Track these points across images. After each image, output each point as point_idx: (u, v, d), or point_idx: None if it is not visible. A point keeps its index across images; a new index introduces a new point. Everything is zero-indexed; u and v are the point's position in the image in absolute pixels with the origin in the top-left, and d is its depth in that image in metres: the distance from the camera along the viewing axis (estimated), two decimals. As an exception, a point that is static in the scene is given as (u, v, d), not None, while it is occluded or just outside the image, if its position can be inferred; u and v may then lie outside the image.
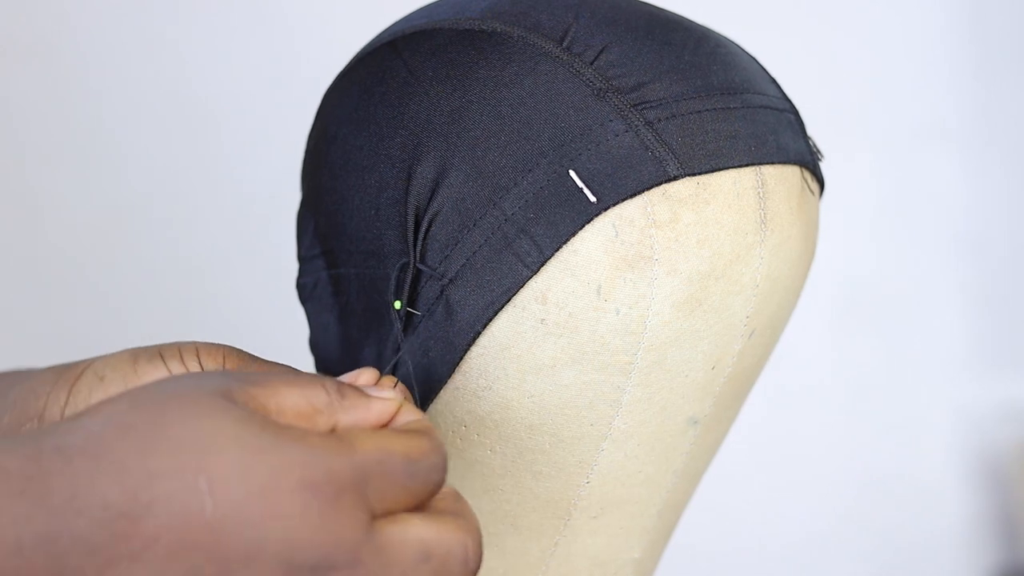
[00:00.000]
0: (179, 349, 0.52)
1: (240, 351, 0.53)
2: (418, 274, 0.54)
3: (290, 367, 0.53)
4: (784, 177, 0.55)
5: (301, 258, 0.61)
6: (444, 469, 0.46)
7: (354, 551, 0.43)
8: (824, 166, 0.59)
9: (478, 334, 0.53)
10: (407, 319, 0.54)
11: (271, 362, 0.53)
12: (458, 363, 0.54)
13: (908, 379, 1.56)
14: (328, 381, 0.47)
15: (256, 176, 1.23)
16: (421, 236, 0.53)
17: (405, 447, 0.45)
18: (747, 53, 0.58)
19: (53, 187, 1.19)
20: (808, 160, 0.57)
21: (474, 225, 0.53)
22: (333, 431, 0.45)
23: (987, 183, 1.53)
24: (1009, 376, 1.56)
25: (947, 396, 1.56)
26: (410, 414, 0.48)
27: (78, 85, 1.20)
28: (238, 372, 0.47)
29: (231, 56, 1.24)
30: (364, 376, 0.50)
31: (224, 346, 0.53)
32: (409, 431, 0.46)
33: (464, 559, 0.45)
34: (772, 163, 0.55)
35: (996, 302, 1.55)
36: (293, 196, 0.63)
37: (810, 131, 0.59)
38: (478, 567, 0.46)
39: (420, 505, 0.45)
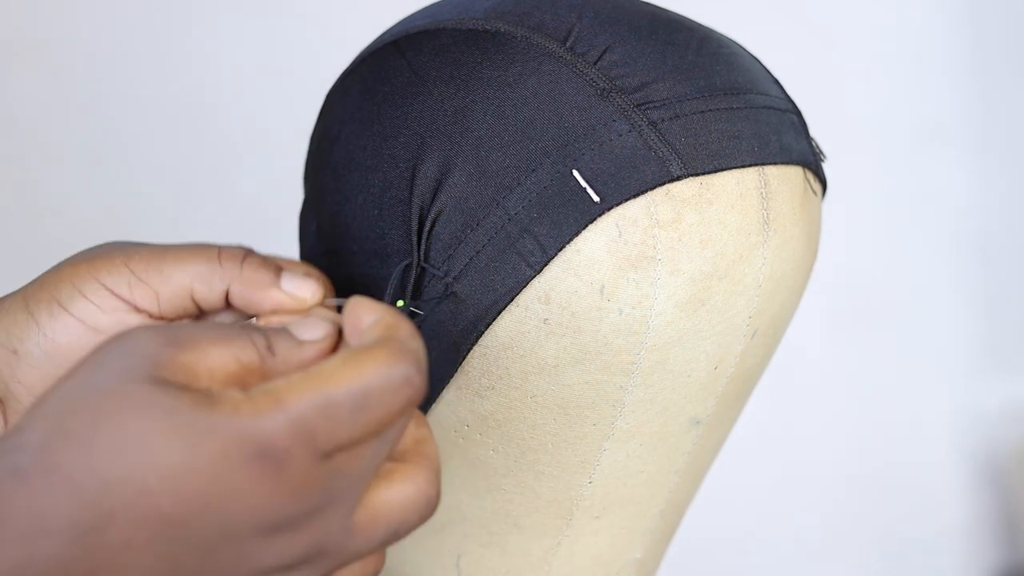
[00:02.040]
0: (76, 288, 0.51)
1: (142, 248, 0.51)
2: (421, 273, 0.54)
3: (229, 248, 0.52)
4: (787, 177, 0.55)
5: (304, 258, 0.61)
6: (411, 381, 0.43)
7: (323, 490, 0.43)
8: (826, 166, 0.59)
9: (481, 334, 0.53)
10: (410, 318, 0.54)
11: (179, 244, 0.52)
12: (461, 362, 0.54)
13: (909, 379, 1.56)
14: (256, 334, 0.45)
15: (258, 176, 1.23)
16: (424, 235, 0.54)
17: (347, 382, 0.43)
18: (750, 54, 0.58)
19: (55, 185, 1.19)
20: (811, 160, 0.57)
21: (477, 225, 0.53)
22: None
23: (988, 183, 1.53)
24: (1010, 376, 1.56)
25: (948, 396, 1.56)
26: (368, 314, 0.46)
27: (80, 84, 1.20)
28: (165, 333, 0.44)
29: (234, 55, 1.24)
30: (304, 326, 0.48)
31: (123, 252, 0.51)
32: (356, 355, 0.44)
33: (422, 511, 0.45)
34: (775, 163, 0.55)
35: (997, 302, 1.55)
36: (296, 196, 0.63)
37: (812, 132, 0.59)
38: (435, 508, 0.46)
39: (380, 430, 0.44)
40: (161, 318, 0.51)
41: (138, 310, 0.51)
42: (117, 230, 1.19)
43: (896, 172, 1.52)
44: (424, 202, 0.54)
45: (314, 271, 0.52)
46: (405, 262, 0.54)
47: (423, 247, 0.54)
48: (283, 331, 0.46)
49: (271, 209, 1.00)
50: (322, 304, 0.52)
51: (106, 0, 1.20)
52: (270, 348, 0.45)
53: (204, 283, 0.51)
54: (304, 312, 0.51)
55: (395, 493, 0.46)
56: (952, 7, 1.49)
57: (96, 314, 0.51)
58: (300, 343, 0.46)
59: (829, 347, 1.52)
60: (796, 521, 1.54)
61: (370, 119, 0.56)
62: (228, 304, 0.52)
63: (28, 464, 0.41)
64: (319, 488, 0.43)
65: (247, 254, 0.52)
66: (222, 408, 0.42)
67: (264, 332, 0.46)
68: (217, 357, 0.44)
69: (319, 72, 0.70)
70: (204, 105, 1.23)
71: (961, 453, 1.57)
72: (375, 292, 0.56)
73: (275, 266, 0.52)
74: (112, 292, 0.51)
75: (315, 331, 0.46)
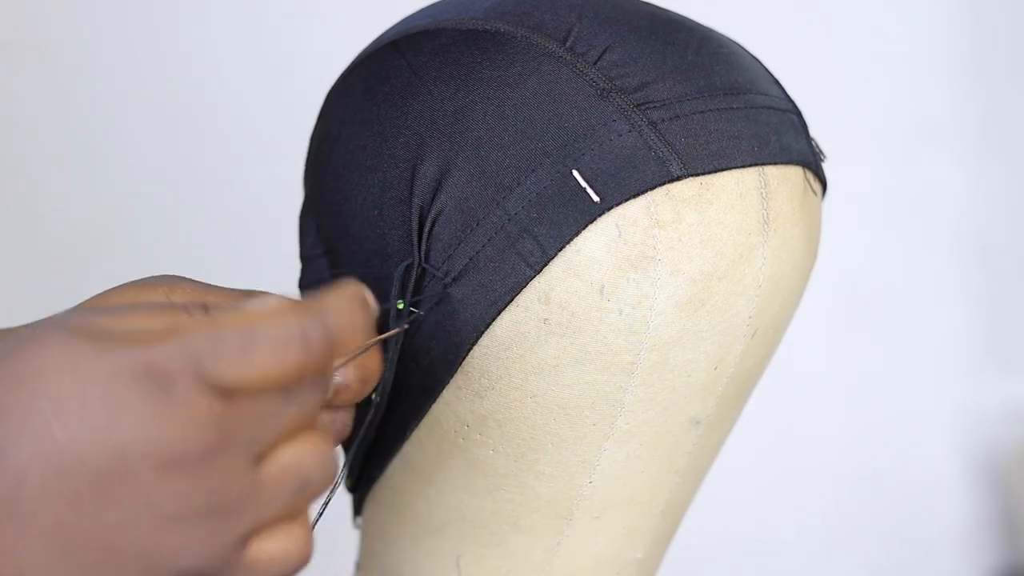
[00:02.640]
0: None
1: (171, 283, 0.51)
2: (421, 274, 0.54)
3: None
4: (787, 177, 0.55)
5: (304, 258, 0.61)
6: (305, 338, 0.43)
7: (217, 430, 0.42)
8: (827, 167, 0.59)
9: (481, 334, 0.53)
10: (407, 317, 0.54)
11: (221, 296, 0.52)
12: (460, 363, 0.54)
13: (909, 379, 1.56)
14: (194, 306, 0.46)
15: (258, 176, 1.23)
16: (424, 236, 0.53)
17: (237, 321, 0.43)
18: (750, 54, 0.58)
19: (55, 185, 1.19)
20: (811, 161, 0.57)
21: (477, 225, 0.53)
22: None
23: (989, 183, 1.53)
24: (1010, 376, 1.56)
25: (948, 396, 1.56)
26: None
27: (80, 84, 1.20)
28: (99, 306, 0.46)
29: (234, 56, 1.24)
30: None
31: (166, 287, 0.51)
32: (256, 305, 0.44)
33: (328, 469, 0.45)
34: (775, 163, 0.55)
35: (997, 302, 1.55)
36: (296, 196, 0.63)
37: (813, 132, 0.59)
38: (336, 470, 0.46)
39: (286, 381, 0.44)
40: None
41: None
42: (117, 230, 1.19)
43: (896, 172, 1.52)
44: (424, 202, 0.54)
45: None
46: (406, 263, 0.54)
47: (423, 247, 0.54)
48: (232, 305, 0.46)
49: (271, 209, 1.00)
50: None
51: (106, 0, 1.20)
52: (205, 308, 0.46)
53: None
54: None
55: (301, 450, 0.45)
56: (952, 7, 1.49)
57: None
58: (243, 309, 0.45)
59: (829, 347, 1.52)
60: (796, 521, 1.54)
61: (370, 119, 0.56)
62: None
63: None
64: (213, 426, 0.42)
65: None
66: (118, 340, 0.42)
67: (203, 305, 0.46)
68: (143, 317, 0.44)
69: (319, 72, 0.70)
70: (204, 105, 1.23)
71: (961, 453, 1.57)
72: (375, 292, 0.56)
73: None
74: None
75: (266, 301, 0.45)
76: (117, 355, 0.42)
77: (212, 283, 0.53)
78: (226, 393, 0.42)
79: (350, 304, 0.46)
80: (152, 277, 0.52)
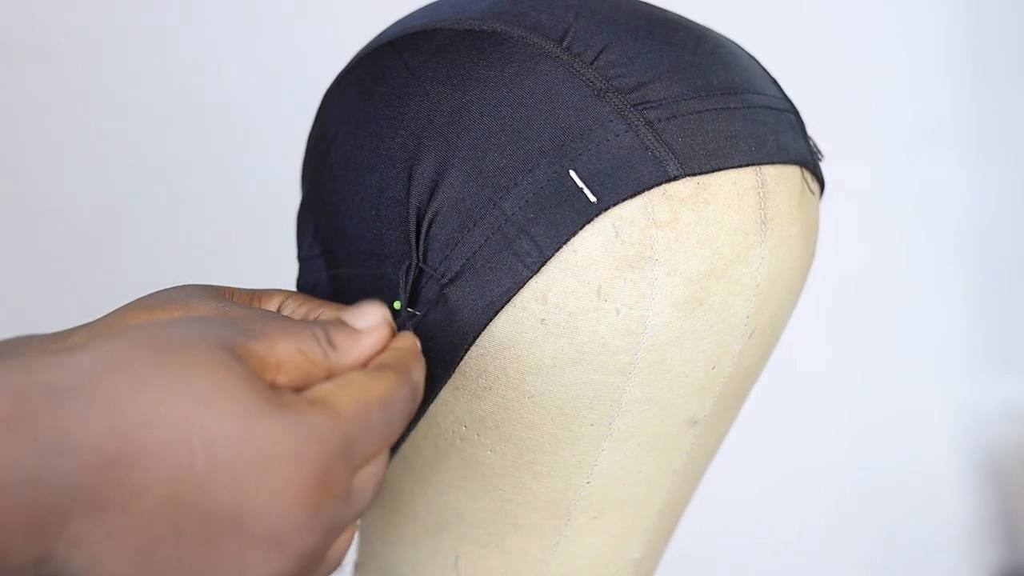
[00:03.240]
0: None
1: (215, 294, 0.52)
2: (419, 274, 0.54)
3: (277, 291, 0.53)
4: (784, 177, 0.55)
5: (301, 259, 0.61)
6: (415, 398, 0.47)
7: (337, 523, 0.43)
8: (824, 166, 0.59)
9: (478, 334, 0.53)
10: (407, 319, 0.54)
11: (250, 292, 0.53)
12: (458, 363, 0.54)
13: (909, 379, 1.56)
14: (318, 329, 0.47)
15: (258, 176, 1.23)
16: (422, 236, 0.53)
17: (380, 393, 0.45)
18: (747, 53, 0.58)
19: (55, 185, 1.19)
20: (808, 160, 0.57)
21: (474, 225, 0.53)
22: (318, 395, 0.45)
23: (989, 182, 1.53)
24: (1010, 376, 1.56)
25: (948, 396, 1.56)
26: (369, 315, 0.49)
27: (80, 84, 1.20)
28: (238, 319, 0.46)
29: (233, 56, 1.24)
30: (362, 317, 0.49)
31: (181, 303, 0.52)
32: (379, 369, 0.47)
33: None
34: (772, 163, 0.55)
35: (997, 302, 1.55)
36: (294, 196, 0.63)
37: (810, 131, 0.59)
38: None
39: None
40: None
41: None
42: (117, 230, 1.19)
43: (897, 172, 1.52)
44: (421, 203, 0.54)
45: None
46: (405, 265, 0.54)
47: (420, 248, 0.53)
48: (339, 323, 0.48)
49: (270, 209, 1.00)
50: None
51: (106, 1, 1.20)
52: (331, 342, 0.47)
53: None
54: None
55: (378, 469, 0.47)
56: (953, 6, 1.49)
57: None
58: (357, 332, 0.48)
59: (829, 347, 1.52)
60: (796, 521, 1.54)
61: (367, 119, 0.56)
62: None
63: (69, 383, 0.41)
64: (340, 508, 0.43)
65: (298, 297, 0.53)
66: (285, 401, 0.43)
67: (323, 326, 0.47)
68: (285, 350, 0.45)
69: (317, 73, 0.70)
70: (204, 106, 1.23)
71: (962, 453, 1.57)
72: (372, 292, 0.56)
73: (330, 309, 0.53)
74: None
75: (369, 318, 0.48)
76: (284, 421, 0.42)
77: (218, 283, 0.53)
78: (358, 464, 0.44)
79: (417, 353, 0.49)
80: (167, 291, 0.52)
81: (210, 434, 0.41)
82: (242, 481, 0.41)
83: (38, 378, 0.41)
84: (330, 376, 0.46)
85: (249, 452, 0.41)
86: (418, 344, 0.50)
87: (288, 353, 0.45)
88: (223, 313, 0.50)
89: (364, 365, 0.48)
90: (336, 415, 0.43)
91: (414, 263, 0.54)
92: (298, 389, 0.45)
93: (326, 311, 0.53)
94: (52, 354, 0.42)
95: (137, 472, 0.40)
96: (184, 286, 0.52)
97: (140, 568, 0.41)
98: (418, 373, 0.48)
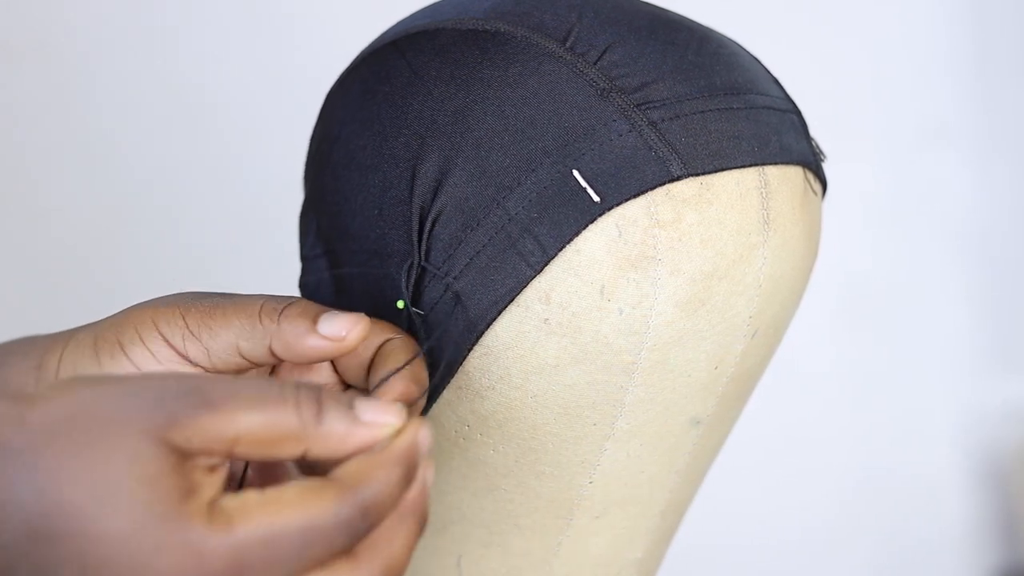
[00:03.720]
0: (138, 333, 0.51)
1: (197, 302, 0.52)
2: (422, 274, 0.54)
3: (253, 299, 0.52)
4: (787, 177, 0.55)
5: (304, 258, 0.61)
6: (367, 518, 0.43)
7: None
8: (829, 167, 0.59)
9: (481, 334, 0.53)
10: (410, 319, 0.54)
11: (231, 298, 0.52)
12: (461, 363, 0.54)
13: (911, 379, 1.56)
14: (306, 399, 0.44)
15: (259, 176, 1.23)
16: (425, 236, 0.53)
17: (303, 522, 0.42)
18: (750, 54, 0.58)
19: (55, 185, 1.19)
20: (811, 160, 0.57)
21: (477, 225, 0.53)
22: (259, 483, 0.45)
23: (991, 183, 1.53)
24: (1011, 376, 1.56)
25: (950, 396, 1.56)
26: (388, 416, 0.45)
27: (80, 84, 1.20)
28: (204, 388, 0.43)
29: (234, 55, 1.24)
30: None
31: (181, 305, 0.51)
32: (324, 488, 0.43)
33: None
34: (775, 163, 0.55)
35: (998, 302, 1.55)
36: (296, 196, 0.63)
37: (816, 132, 0.59)
38: None
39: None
40: (215, 370, 0.52)
41: (192, 363, 0.51)
42: (117, 230, 1.19)
43: (899, 172, 1.52)
44: (424, 202, 0.54)
45: (356, 315, 0.51)
46: (408, 263, 0.54)
47: (423, 247, 0.53)
48: (344, 401, 0.45)
49: (271, 209, 1.00)
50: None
51: (106, 1, 1.20)
52: (319, 415, 0.44)
53: (247, 340, 0.51)
54: (348, 352, 0.51)
55: None
56: (956, 7, 1.49)
57: (151, 362, 0.51)
58: (356, 420, 0.44)
59: (830, 347, 1.52)
60: (796, 522, 1.54)
61: (370, 119, 0.56)
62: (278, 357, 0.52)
63: (19, 446, 0.41)
64: None
65: (287, 306, 0.52)
66: (188, 513, 0.41)
67: (320, 398, 0.44)
68: (246, 423, 0.43)
69: (318, 73, 0.70)
70: (205, 105, 1.23)
71: (963, 453, 1.57)
72: (375, 292, 0.56)
73: (314, 313, 0.52)
74: (168, 343, 0.51)
75: (379, 415, 0.45)
76: (173, 535, 0.41)
77: (217, 291, 0.53)
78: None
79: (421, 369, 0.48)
80: (173, 295, 0.52)
81: (103, 529, 0.41)
82: (134, 570, 0.41)
83: None
84: (305, 454, 0.44)
85: (131, 557, 0.41)
86: (419, 443, 0.45)
87: (250, 426, 0.43)
88: (191, 370, 0.50)
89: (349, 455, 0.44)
90: (231, 536, 0.41)
91: (417, 263, 0.54)
92: (263, 465, 0.45)
93: (332, 312, 0.52)
94: (16, 401, 0.42)
95: (52, 550, 0.41)
96: (174, 302, 0.52)
97: None
98: (387, 487, 0.44)
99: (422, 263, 0.54)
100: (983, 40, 1.50)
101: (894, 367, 1.55)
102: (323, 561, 0.43)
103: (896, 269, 1.54)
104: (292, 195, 0.65)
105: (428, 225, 0.53)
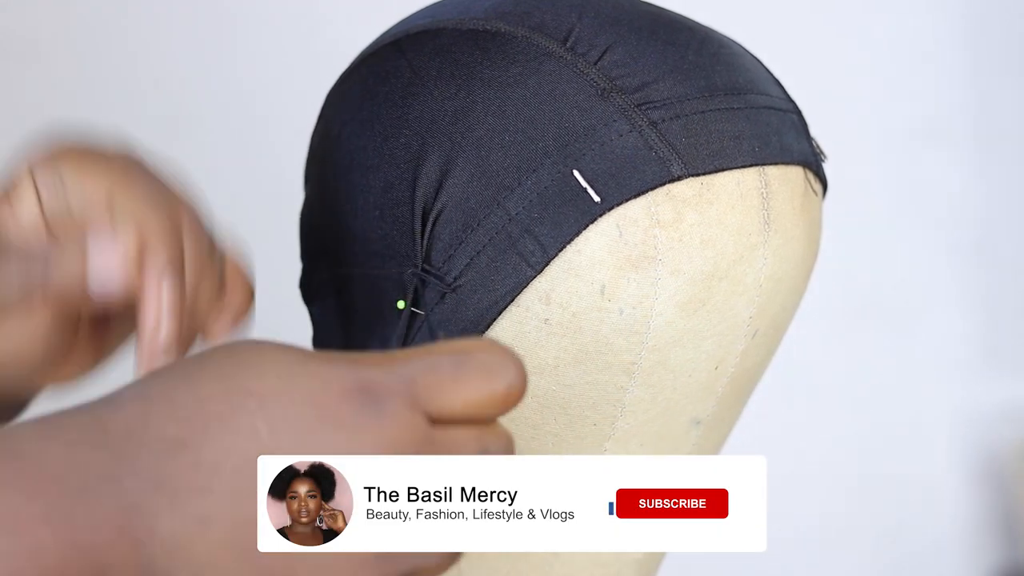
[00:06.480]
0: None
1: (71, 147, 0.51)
2: (423, 274, 0.54)
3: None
4: (788, 178, 0.55)
5: (304, 257, 0.61)
6: (515, 374, 0.42)
7: (418, 452, 0.41)
8: (825, 167, 0.59)
9: (482, 334, 0.53)
10: (411, 319, 0.54)
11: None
12: (461, 363, 0.54)
13: (909, 379, 1.56)
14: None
15: (259, 176, 1.23)
16: (426, 236, 0.53)
17: (450, 348, 0.43)
18: (750, 54, 0.58)
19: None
20: (811, 160, 0.57)
21: (478, 225, 0.53)
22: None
23: (989, 184, 1.53)
24: (1010, 376, 1.56)
25: (948, 396, 1.56)
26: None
27: (80, 84, 1.20)
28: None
29: (235, 55, 1.24)
30: None
31: (55, 149, 0.50)
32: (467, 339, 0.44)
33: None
34: (776, 163, 0.55)
35: (997, 303, 1.55)
36: (296, 196, 0.63)
37: (813, 132, 0.59)
38: None
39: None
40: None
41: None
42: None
43: (895, 172, 1.52)
44: (426, 203, 0.54)
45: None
46: (409, 269, 0.54)
47: (424, 248, 0.53)
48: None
49: (272, 209, 1.00)
50: None
51: (107, 1, 1.20)
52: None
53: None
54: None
55: None
56: (951, 7, 1.49)
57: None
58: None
59: (828, 347, 1.52)
60: (796, 521, 1.54)
61: (371, 119, 0.56)
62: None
63: (127, 394, 0.41)
64: (416, 448, 0.41)
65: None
66: (333, 359, 0.42)
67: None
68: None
69: (320, 72, 0.70)
70: (205, 105, 1.23)
71: (961, 453, 1.57)
72: (376, 292, 0.56)
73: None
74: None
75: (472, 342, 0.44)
76: (331, 368, 0.41)
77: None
78: (433, 420, 0.42)
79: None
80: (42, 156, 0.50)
81: (264, 398, 0.41)
82: (307, 431, 0.41)
83: (103, 407, 0.41)
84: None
85: (301, 402, 0.41)
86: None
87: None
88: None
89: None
90: (393, 359, 0.43)
91: (419, 263, 0.54)
92: None
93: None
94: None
95: (206, 451, 0.40)
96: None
97: (243, 559, 0.40)
98: (522, 366, 0.43)
99: (423, 265, 0.54)
100: (979, 40, 1.50)
101: (892, 367, 1.55)
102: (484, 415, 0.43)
103: (892, 270, 1.54)
104: (292, 195, 0.65)
105: (429, 225, 0.53)
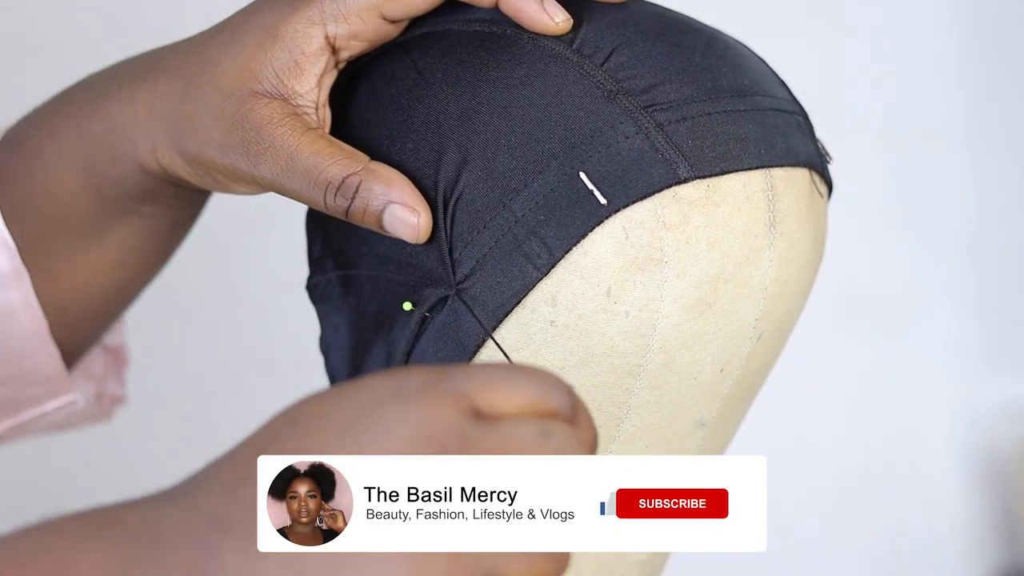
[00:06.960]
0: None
1: None
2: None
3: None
4: (793, 179, 0.55)
5: (312, 259, 0.60)
6: (561, 392, 0.42)
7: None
8: (831, 168, 0.59)
9: (488, 336, 0.53)
10: (420, 320, 0.54)
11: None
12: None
13: (909, 379, 1.56)
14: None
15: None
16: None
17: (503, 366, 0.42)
18: (756, 55, 0.58)
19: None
20: (817, 162, 0.57)
21: (484, 227, 0.53)
22: None
23: (989, 184, 1.53)
24: (1010, 376, 1.56)
25: (947, 396, 1.56)
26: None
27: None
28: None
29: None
30: None
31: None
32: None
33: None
34: (782, 165, 0.55)
35: (997, 302, 1.55)
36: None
37: (818, 133, 0.59)
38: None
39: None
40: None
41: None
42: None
43: (895, 173, 1.52)
44: (431, 204, 0.53)
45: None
46: (417, 275, 0.54)
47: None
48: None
49: (278, 208, 1.00)
50: None
51: (107, 1, 1.20)
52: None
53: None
54: None
55: None
56: (952, 9, 1.49)
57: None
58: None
59: (828, 347, 1.52)
60: (795, 521, 1.54)
61: (376, 121, 0.56)
62: None
63: None
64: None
65: None
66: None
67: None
68: None
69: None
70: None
71: (961, 453, 1.57)
72: (383, 293, 0.56)
73: None
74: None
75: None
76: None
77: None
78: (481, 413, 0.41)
79: None
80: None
81: None
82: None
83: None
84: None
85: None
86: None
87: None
88: None
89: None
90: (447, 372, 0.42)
91: (422, 265, 0.54)
92: None
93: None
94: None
95: None
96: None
97: None
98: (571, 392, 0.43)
99: (429, 266, 0.54)
100: (979, 42, 1.50)
101: (893, 367, 1.55)
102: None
103: (892, 270, 1.54)
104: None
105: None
